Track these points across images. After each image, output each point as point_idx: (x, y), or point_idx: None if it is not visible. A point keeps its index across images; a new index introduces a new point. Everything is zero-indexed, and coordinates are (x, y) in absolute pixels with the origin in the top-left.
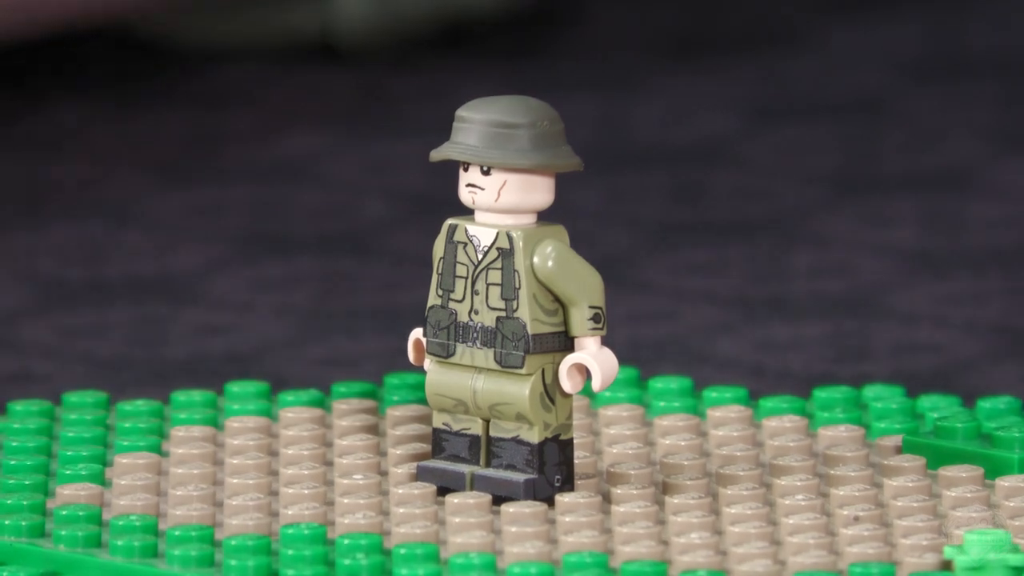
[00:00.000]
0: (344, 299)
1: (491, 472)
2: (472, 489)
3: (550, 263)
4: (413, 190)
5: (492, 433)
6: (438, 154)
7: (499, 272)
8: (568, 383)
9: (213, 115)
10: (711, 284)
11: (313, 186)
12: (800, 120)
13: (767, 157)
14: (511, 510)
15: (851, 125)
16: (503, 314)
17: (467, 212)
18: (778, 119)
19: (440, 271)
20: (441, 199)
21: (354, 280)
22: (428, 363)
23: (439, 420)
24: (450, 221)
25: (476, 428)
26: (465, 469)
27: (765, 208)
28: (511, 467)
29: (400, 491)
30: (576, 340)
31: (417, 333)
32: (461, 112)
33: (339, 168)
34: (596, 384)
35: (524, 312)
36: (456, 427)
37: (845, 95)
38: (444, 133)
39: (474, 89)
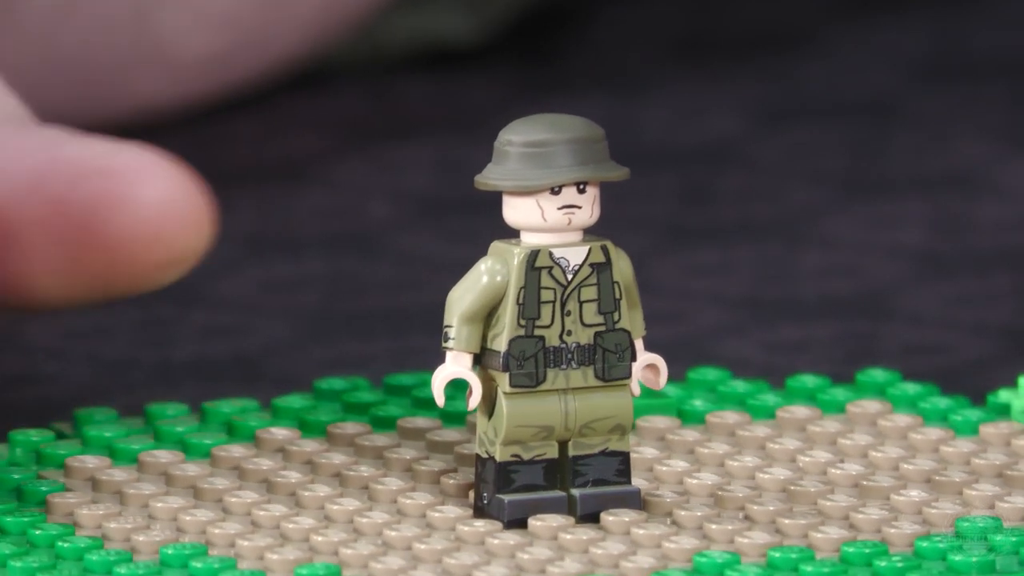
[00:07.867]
0: (351, 301)
1: (591, 490)
2: (577, 511)
3: (630, 269)
4: (420, 192)
5: (573, 452)
6: (539, 183)
7: (594, 288)
8: (639, 385)
9: (219, 117)
10: (719, 285)
11: (319, 187)
12: (808, 122)
13: (775, 158)
14: (626, 519)
15: (859, 127)
16: (603, 328)
17: (510, 235)
18: (786, 121)
19: (521, 301)
20: (448, 201)
21: (360, 282)
22: (474, 401)
23: (506, 453)
24: (525, 250)
25: (551, 452)
26: (558, 493)
27: (773, 209)
28: (601, 482)
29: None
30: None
31: (456, 374)
32: (535, 137)
33: (345, 169)
34: (664, 380)
35: (626, 322)
36: (527, 456)
37: (853, 97)
38: (452, 134)
39: (482, 92)
